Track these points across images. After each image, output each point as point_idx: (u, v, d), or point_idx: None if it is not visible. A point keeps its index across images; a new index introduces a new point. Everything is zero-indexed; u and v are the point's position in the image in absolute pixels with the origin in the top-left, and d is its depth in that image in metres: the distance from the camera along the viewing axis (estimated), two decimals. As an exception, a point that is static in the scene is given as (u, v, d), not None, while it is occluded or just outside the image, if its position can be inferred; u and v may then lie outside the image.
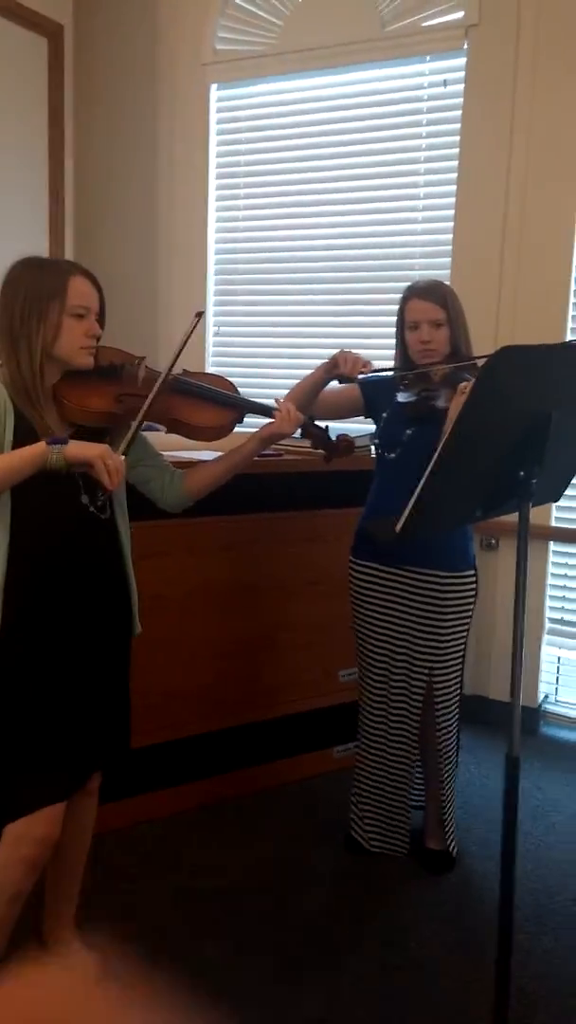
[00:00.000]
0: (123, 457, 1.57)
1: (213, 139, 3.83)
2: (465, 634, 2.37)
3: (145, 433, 1.81)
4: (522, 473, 1.47)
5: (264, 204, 3.78)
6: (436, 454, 1.39)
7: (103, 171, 4.04)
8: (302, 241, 3.71)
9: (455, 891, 2.36)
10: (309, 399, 2.27)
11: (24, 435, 1.60)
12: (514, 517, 1.53)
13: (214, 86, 3.77)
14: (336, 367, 2.20)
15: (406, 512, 1.43)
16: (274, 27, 3.61)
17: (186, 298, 3.92)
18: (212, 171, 3.85)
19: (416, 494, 1.41)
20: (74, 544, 1.69)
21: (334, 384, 2.31)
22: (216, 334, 3.93)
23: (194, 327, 1.67)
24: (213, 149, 3.83)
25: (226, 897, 2.28)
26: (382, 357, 2.42)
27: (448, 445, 1.38)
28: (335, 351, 2.22)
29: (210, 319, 3.93)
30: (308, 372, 2.29)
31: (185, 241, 3.92)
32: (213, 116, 3.81)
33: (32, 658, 1.67)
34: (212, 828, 2.61)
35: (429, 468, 1.39)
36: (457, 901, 2.31)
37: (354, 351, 2.21)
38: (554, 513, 3.32)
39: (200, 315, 1.68)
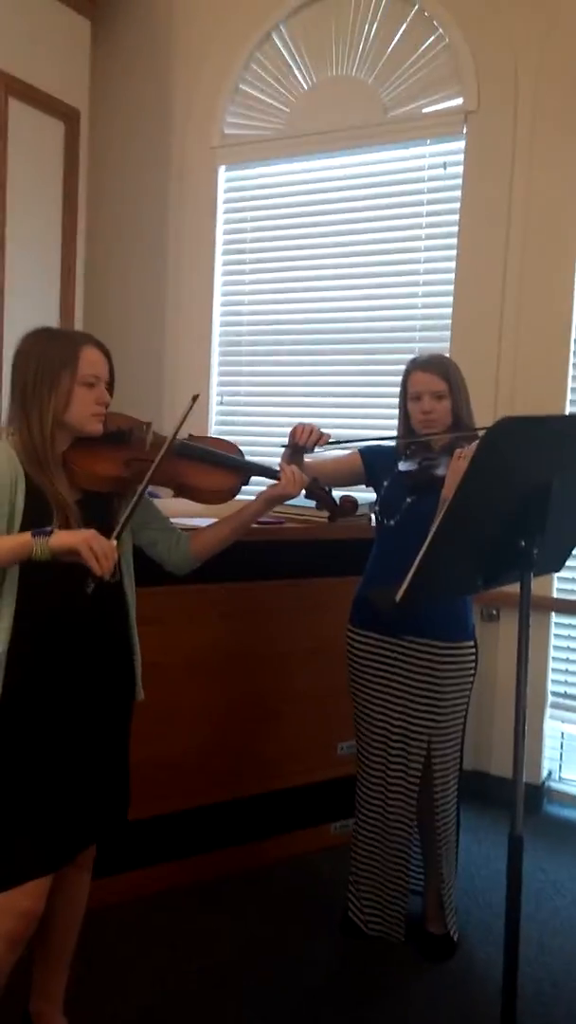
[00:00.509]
0: (115, 542, 1.55)
1: (220, 217, 3.96)
2: (465, 707, 2.33)
3: (150, 498, 1.81)
4: (523, 542, 1.47)
5: (269, 279, 3.89)
6: (436, 522, 1.39)
7: (114, 248, 4.17)
8: (305, 315, 3.80)
9: (456, 978, 2.26)
10: None
11: (34, 501, 1.62)
12: (515, 587, 1.52)
13: (222, 167, 3.92)
14: (294, 437, 2.19)
15: (407, 581, 1.42)
16: (281, 113, 3.78)
17: (191, 368, 4.00)
18: (219, 247, 3.97)
19: (416, 563, 1.41)
20: (82, 607, 1.68)
21: (336, 452, 2.34)
22: (220, 403, 3.99)
23: (189, 409, 1.68)
24: (220, 227, 3.96)
25: (217, 979, 2.19)
26: (384, 427, 2.45)
27: (448, 514, 1.38)
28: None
29: (214, 388, 3.99)
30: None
31: (191, 314, 4.02)
32: (221, 196, 3.95)
33: (33, 723, 1.64)
34: (204, 906, 2.52)
35: (429, 536, 1.39)
36: (457, 989, 2.21)
37: (310, 424, 2.18)
38: (556, 584, 3.31)
39: (195, 398, 1.69)
